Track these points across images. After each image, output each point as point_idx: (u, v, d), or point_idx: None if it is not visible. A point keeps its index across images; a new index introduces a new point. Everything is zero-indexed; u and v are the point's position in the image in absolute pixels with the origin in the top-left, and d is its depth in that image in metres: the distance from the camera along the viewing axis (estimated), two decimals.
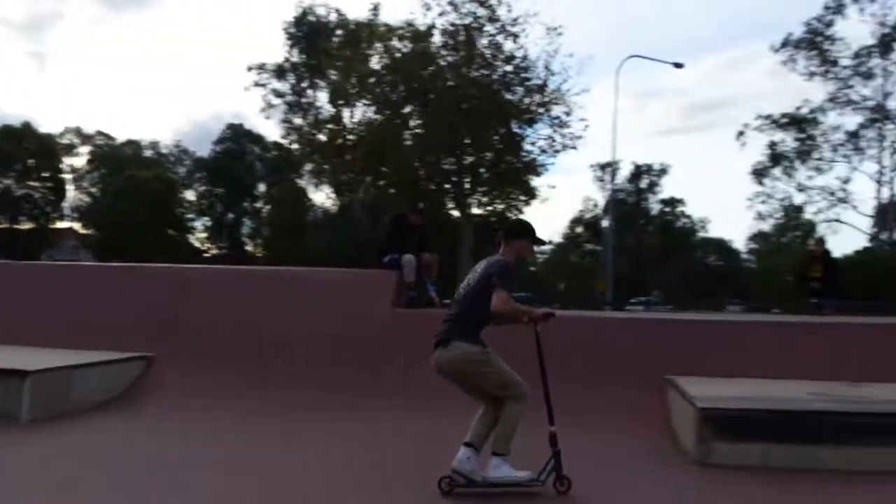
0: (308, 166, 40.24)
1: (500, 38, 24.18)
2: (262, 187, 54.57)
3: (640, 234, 68.94)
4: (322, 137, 35.32)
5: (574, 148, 25.58)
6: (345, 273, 8.86)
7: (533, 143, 25.18)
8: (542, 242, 4.82)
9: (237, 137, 53.66)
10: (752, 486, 4.44)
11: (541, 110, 24.33)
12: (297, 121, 40.31)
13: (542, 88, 24.24)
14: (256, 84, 41.57)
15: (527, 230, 4.64)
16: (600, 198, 67.52)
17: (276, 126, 50.75)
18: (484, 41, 24.34)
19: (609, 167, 63.87)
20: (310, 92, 41.13)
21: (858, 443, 4.80)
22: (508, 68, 24.12)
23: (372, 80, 26.68)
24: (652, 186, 68.59)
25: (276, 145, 48.38)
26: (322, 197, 44.19)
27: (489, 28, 24.25)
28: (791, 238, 69.24)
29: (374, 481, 4.47)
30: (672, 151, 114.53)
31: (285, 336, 7.40)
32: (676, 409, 5.95)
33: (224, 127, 55.12)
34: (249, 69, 41.85)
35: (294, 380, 6.83)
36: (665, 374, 6.52)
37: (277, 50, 65.85)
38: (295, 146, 41.09)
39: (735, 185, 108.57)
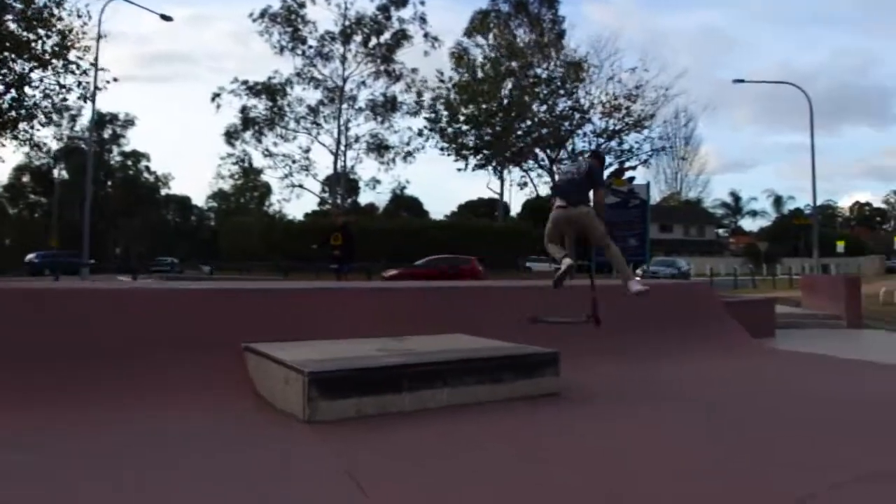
0: None
1: None
2: None
3: (102, 188, 64.91)
4: None
5: (92, 101, 22.64)
6: None
7: (37, 88, 21.19)
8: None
9: None
10: (357, 432, 5.17)
11: (53, 49, 20.54)
12: None
13: (46, 23, 20.43)
14: None
15: (604, 157, 7.31)
16: (53, 144, 60.84)
17: None
18: None
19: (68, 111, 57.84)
20: None
21: (424, 387, 5.96)
22: None
23: None
24: (117, 138, 64.83)
25: None
26: None
27: None
28: (249, 198, 74.10)
29: None
30: (134, 103, 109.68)
31: None
32: (264, 376, 6.28)
33: None
34: None
35: None
36: (243, 342, 6.79)
37: None
38: None
39: (195, 142, 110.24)
